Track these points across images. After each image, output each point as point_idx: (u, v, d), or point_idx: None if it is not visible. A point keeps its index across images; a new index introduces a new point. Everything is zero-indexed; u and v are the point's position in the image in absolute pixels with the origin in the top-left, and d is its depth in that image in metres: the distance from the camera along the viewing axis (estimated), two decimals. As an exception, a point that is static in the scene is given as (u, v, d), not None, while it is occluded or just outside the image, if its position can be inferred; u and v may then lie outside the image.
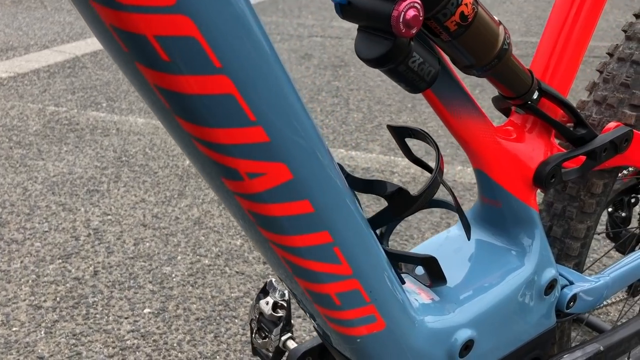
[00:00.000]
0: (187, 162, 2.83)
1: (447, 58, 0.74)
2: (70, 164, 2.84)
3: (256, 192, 0.53)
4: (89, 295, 1.97)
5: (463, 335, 0.78)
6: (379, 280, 0.67)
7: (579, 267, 1.02)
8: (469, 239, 0.80)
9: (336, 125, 3.32)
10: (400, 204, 0.67)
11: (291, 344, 0.95)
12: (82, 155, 2.93)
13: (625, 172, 1.28)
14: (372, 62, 0.61)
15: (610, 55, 0.99)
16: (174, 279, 2.05)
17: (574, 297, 0.93)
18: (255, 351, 1.06)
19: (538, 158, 0.83)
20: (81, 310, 1.91)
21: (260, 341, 1.01)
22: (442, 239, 0.90)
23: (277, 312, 0.98)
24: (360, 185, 0.68)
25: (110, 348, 1.76)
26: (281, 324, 0.97)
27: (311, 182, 0.54)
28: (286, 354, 0.97)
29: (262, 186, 0.52)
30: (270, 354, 1.01)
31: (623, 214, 1.41)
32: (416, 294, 0.80)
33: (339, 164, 0.73)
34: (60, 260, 2.15)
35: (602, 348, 0.95)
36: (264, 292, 1.01)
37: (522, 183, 0.83)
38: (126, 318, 1.88)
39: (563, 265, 0.99)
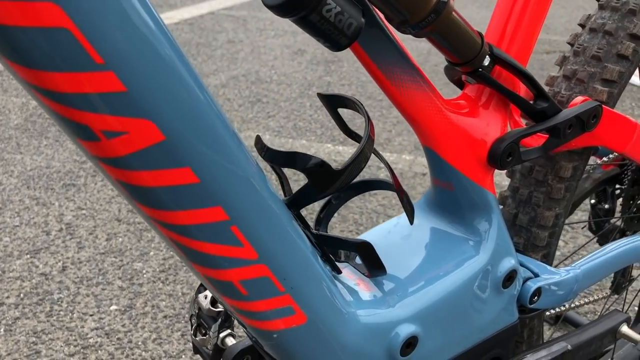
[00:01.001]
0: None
1: (384, 18, 0.65)
2: (49, 157, 2.77)
3: (119, 156, 0.44)
4: (54, 292, 1.89)
5: (405, 330, 0.70)
6: (296, 267, 0.58)
7: (548, 259, 0.93)
8: (411, 223, 0.71)
9: (325, 120, 3.24)
10: (322, 180, 0.59)
11: (230, 342, 0.87)
12: (61, 149, 2.85)
13: (605, 159, 1.19)
14: (279, 10, 0.53)
15: (582, 26, 0.91)
16: (145, 275, 1.97)
17: (538, 291, 0.84)
18: (195, 349, 0.97)
19: (493, 134, 0.75)
20: (45, 307, 1.83)
21: (199, 338, 0.93)
22: (392, 226, 0.82)
23: (216, 307, 0.89)
24: (281, 158, 0.59)
25: (72, 346, 1.68)
26: (220, 320, 0.89)
27: (192, 145, 0.45)
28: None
29: (124, 148, 0.43)
30: (210, 352, 0.92)
31: (606, 206, 1.32)
32: (354, 284, 0.71)
33: (258, 136, 0.64)
34: (28, 256, 2.07)
35: (570, 347, 0.86)
36: (204, 285, 0.92)
37: (475, 162, 0.75)
38: (91, 315, 1.80)
39: (529, 257, 0.90)
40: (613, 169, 1.28)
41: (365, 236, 0.80)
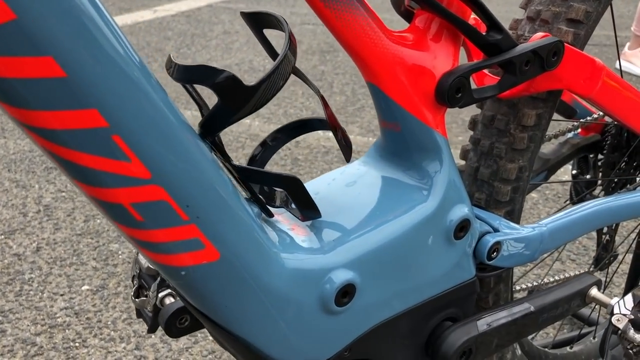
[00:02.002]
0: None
1: None
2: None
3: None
4: (26, 272, 1.83)
5: (340, 277, 0.64)
6: (203, 194, 0.52)
7: (513, 217, 0.87)
8: (347, 160, 0.65)
9: (316, 107, 3.18)
10: (235, 97, 0.53)
11: (169, 302, 0.81)
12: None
13: (589, 118, 1.13)
14: None
15: (548, -35, 0.84)
16: (120, 257, 1.91)
17: (497, 246, 0.78)
18: (138, 313, 0.91)
19: (442, 68, 0.69)
20: (15, 286, 1.77)
21: (139, 300, 0.87)
22: (337, 174, 0.76)
23: (156, 264, 0.83)
24: (187, 74, 0.53)
25: (39, 325, 1.62)
26: (159, 278, 0.83)
27: (52, 26, 0.39)
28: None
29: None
30: (150, 314, 0.87)
31: (588, 176, 1.25)
32: (287, 229, 0.66)
33: (169, 55, 0.58)
34: (2, 236, 2.01)
35: (532, 308, 0.80)
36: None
37: (422, 100, 0.69)
38: (62, 295, 1.74)
39: (489, 212, 0.84)
40: (594, 135, 1.21)
41: (310, 184, 0.74)
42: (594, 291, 0.87)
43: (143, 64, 0.48)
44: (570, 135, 1.22)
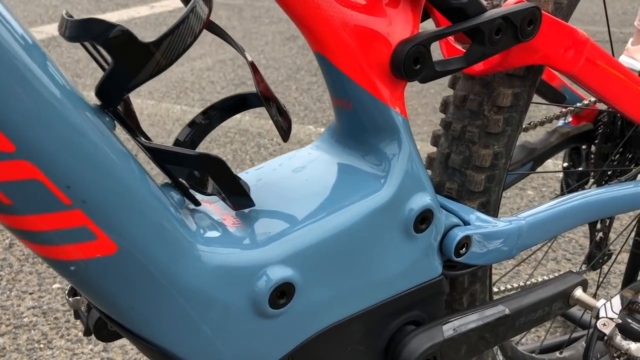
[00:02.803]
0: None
1: None
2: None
3: None
4: (-5, 269, 1.76)
5: (275, 274, 0.55)
6: (91, 173, 0.43)
7: (488, 209, 0.78)
8: (284, 140, 0.56)
9: (310, 102, 3.10)
10: (131, 56, 0.44)
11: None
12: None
13: (579, 105, 1.04)
14: None
15: None
16: (95, 254, 1.83)
17: (466, 241, 0.69)
18: (75, 314, 0.83)
19: (399, 36, 0.60)
20: (-18, 284, 1.70)
21: (72, 299, 0.79)
22: (286, 159, 0.67)
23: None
24: (76, 30, 0.45)
25: (3, 326, 1.54)
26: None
27: None
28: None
29: None
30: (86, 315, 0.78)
31: (580, 169, 1.16)
32: (216, 219, 0.57)
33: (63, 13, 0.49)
34: (-26, 233, 1.94)
35: (508, 311, 0.71)
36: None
37: (376, 72, 0.60)
38: (30, 294, 1.66)
39: (460, 202, 0.75)
40: (585, 124, 1.12)
41: (251, 171, 0.65)
42: (578, 292, 0.78)
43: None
44: (560, 123, 1.13)
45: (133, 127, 0.51)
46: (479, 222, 0.72)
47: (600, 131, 1.08)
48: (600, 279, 1.26)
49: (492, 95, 0.73)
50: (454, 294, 0.83)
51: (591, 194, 0.84)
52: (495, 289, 1.15)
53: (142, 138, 0.51)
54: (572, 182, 1.19)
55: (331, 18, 0.58)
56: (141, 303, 0.50)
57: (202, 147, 2.53)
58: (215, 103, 0.61)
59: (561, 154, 1.22)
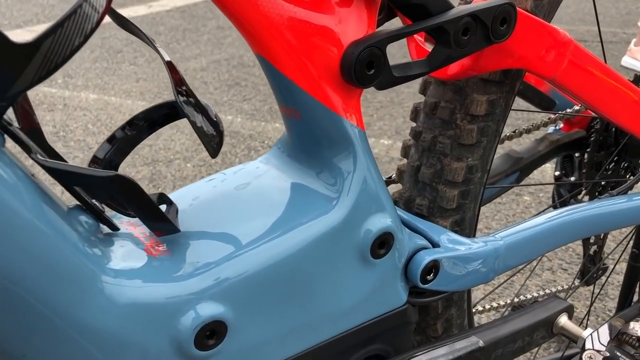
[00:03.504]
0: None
1: None
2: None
3: None
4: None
5: (203, 311, 0.48)
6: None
7: (462, 228, 0.70)
8: (212, 155, 0.49)
9: (304, 103, 3.02)
10: (4, 59, 0.37)
11: None
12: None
13: (569, 110, 0.96)
14: None
15: None
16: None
17: (435, 265, 0.61)
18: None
19: (350, 37, 0.52)
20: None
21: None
22: (230, 173, 0.60)
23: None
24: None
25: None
26: None
27: None
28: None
29: None
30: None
31: (572, 179, 1.08)
32: (137, 247, 0.49)
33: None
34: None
35: (482, 343, 0.64)
36: None
37: (325, 77, 0.52)
38: None
39: (429, 222, 0.68)
40: (578, 131, 1.05)
41: (189, 188, 0.58)
42: (563, 320, 0.71)
43: None
44: (550, 130, 1.05)
45: (30, 141, 0.44)
46: (450, 244, 0.64)
47: (592, 139, 1.00)
48: (594, 298, 1.18)
49: (465, 103, 0.66)
50: (427, 319, 0.75)
51: (579, 210, 0.76)
52: (480, 307, 1.08)
53: (40, 155, 0.44)
54: (564, 193, 1.11)
55: (270, 15, 0.50)
56: (34, 350, 0.42)
57: (192, 150, 2.47)
58: (140, 113, 0.54)
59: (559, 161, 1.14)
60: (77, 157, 2.42)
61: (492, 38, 0.57)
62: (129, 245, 0.49)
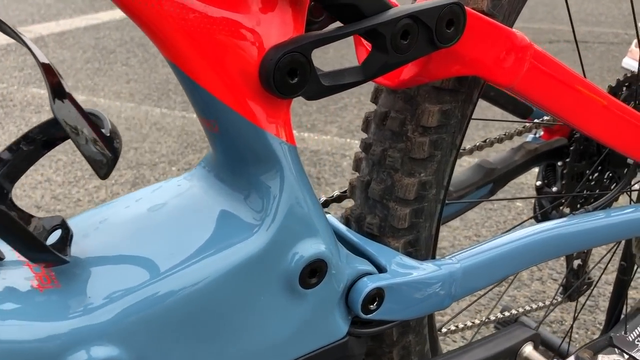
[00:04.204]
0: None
1: None
2: (-18, 140, 2.53)
3: None
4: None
5: (95, 354, 0.41)
6: None
7: (417, 249, 0.64)
8: (101, 177, 0.42)
9: (296, 105, 2.97)
10: None
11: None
12: (1, 131, 2.62)
13: (547, 118, 0.90)
14: None
15: None
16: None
17: (379, 293, 0.55)
18: None
19: (271, 40, 0.46)
20: None
21: None
22: (148, 192, 0.54)
23: None
24: None
25: None
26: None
27: None
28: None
29: None
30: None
31: (554, 189, 1.02)
32: (25, 279, 0.44)
33: None
34: None
35: (433, 379, 0.58)
36: None
37: (242, 86, 0.46)
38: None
39: (378, 243, 0.62)
40: (558, 139, 0.98)
41: (98, 209, 0.52)
42: (528, 349, 0.65)
43: None
44: (529, 138, 0.99)
45: None
46: (400, 268, 0.58)
47: (572, 148, 0.94)
48: (577, 313, 1.12)
49: (416, 113, 0.59)
50: (382, 347, 0.69)
51: (548, 229, 0.70)
52: (453, 327, 1.02)
53: None
54: (546, 204, 1.05)
55: (176, 14, 0.44)
56: None
57: (178, 153, 2.41)
58: (34, 128, 0.48)
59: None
60: (60, 160, 2.37)
61: (438, 42, 0.51)
62: (13, 277, 0.43)
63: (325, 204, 0.72)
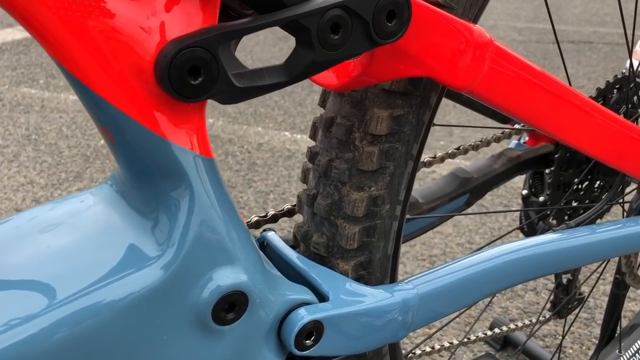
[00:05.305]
0: (102, 141, 2.44)
1: None
2: (-38, 143, 2.47)
3: None
4: None
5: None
6: None
7: (370, 271, 0.57)
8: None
9: (290, 106, 2.90)
10: None
11: None
12: (-21, 133, 2.57)
13: (518, 126, 0.82)
14: None
15: None
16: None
17: (317, 326, 0.48)
18: None
19: (172, 32, 0.39)
20: None
21: None
22: (46, 210, 0.47)
23: None
24: None
25: None
26: None
27: None
28: None
29: None
30: None
31: (540, 199, 0.94)
32: None
33: None
34: None
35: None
36: None
37: (137, 87, 0.39)
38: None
39: (321, 266, 0.54)
40: (544, 145, 0.91)
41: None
42: (494, 386, 0.57)
43: None
44: (512, 145, 0.91)
45: None
46: (345, 296, 0.51)
47: (557, 155, 0.86)
48: (565, 331, 1.04)
49: (365, 119, 0.52)
50: (335, 379, 0.62)
51: (525, 247, 0.62)
52: (438, 345, 0.94)
53: None
54: (532, 214, 0.97)
55: (62, 6, 0.37)
56: None
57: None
58: None
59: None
60: (45, 162, 2.30)
61: (377, 38, 0.43)
62: None
63: (275, 218, 0.65)
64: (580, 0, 5.02)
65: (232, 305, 0.44)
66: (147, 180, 0.43)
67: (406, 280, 0.56)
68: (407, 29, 0.44)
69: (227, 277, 0.43)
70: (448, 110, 2.71)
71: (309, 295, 0.50)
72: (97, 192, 0.47)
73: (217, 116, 2.76)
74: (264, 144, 2.49)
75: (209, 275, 0.43)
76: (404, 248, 1.71)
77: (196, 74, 0.38)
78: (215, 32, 0.38)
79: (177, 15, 0.39)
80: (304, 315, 0.48)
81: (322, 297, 0.51)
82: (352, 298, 0.51)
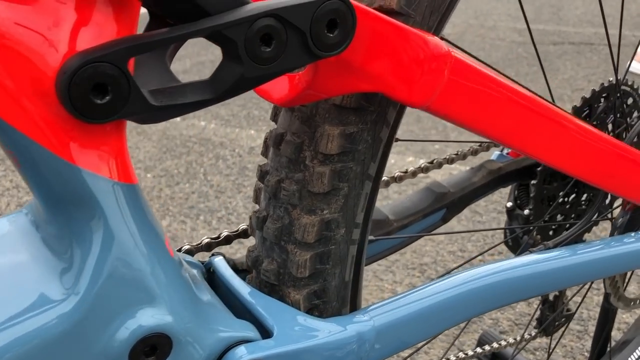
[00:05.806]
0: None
1: None
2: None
3: None
4: None
5: None
6: None
7: (325, 300, 0.52)
8: None
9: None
10: None
11: None
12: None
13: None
14: None
15: None
16: None
17: (257, 368, 0.43)
18: None
19: (79, 44, 0.35)
20: None
21: None
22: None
23: None
24: None
25: None
26: None
27: None
28: None
29: None
30: None
31: (525, 212, 0.89)
32: None
33: None
34: None
35: None
36: None
37: (38, 106, 0.35)
38: None
39: (269, 297, 0.50)
40: (527, 157, 0.86)
41: None
42: None
43: None
44: (493, 156, 0.86)
45: None
46: (291, 331, 0.46)
47: (539, 168, 0.81)
48: (552, 349, 0.99)
49: (315, 137, 0.47)
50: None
51: (497, 271, 0.58)
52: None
53: None
54: (517, 228, 0.92)
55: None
56: None
57: (156, 158, 2.31)
58: None
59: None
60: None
61: (316, 50, 0.39)
62: None
63: (228, 239, 0.60)
64: (582, 1, 4.97)
65: (154, 349, 0.39)
66: (61, 210, 0.38)
67: (363, 311, 0.51)
68: (351, 40, 0.40)
69: (147, 318, 0.39)
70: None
71: (251, 332, 0.46)
72: (13, 219, 0.43)
73: (209, 119, 2.72)
74: (255, 148, 2.44)
75: (124, 317, 0.38)
76: (393, 256, 1.66)
77: (103, 92, 0.34)
78: (123, 44, 0.34)
79: (84, 26, 0.35)
80: (241, 355, 0.44)
81: (267, 333, 0.47)
82: (299, 333, 0.47)
